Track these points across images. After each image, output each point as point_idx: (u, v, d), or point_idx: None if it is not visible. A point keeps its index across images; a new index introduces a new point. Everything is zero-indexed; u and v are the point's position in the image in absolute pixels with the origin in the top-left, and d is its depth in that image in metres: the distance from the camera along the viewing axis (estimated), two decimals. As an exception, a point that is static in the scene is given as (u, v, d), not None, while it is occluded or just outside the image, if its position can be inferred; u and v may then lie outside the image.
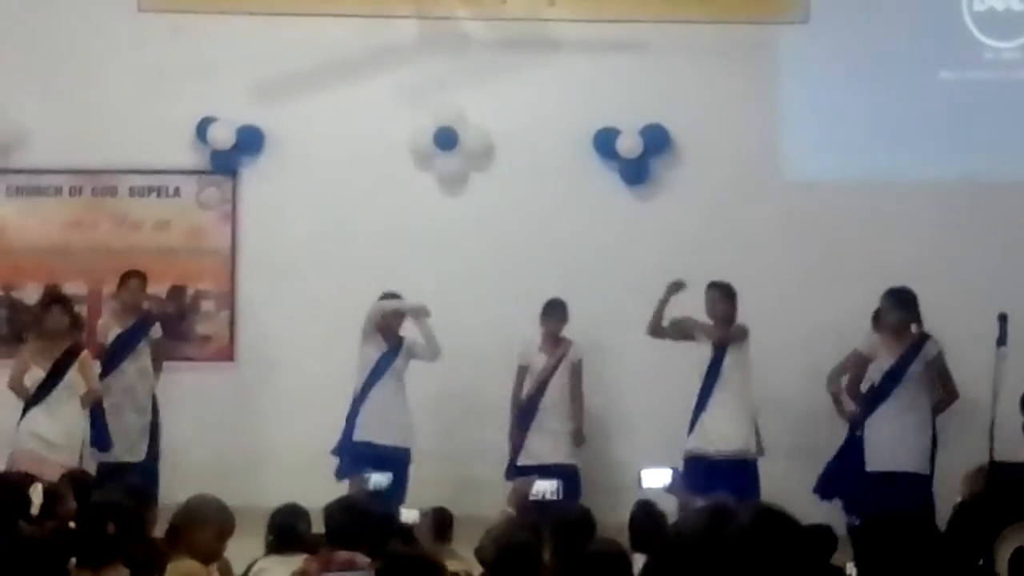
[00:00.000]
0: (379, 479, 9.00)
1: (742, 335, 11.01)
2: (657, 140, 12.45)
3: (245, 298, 12.73)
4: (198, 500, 7.52)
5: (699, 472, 10.36)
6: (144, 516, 7.71)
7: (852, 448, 10.95)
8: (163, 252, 12.83)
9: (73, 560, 5.93)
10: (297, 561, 7.38)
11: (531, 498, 8.29)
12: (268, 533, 7.67)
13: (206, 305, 12.67)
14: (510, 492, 8.41)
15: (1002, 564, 5.85)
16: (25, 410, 10.90)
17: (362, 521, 7.55)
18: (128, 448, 11.55)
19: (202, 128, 12.74)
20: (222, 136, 12.70)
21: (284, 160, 12.76)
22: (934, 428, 10.83)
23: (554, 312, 11.37)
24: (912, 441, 10.61)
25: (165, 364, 11.67)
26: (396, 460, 10.70)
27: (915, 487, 10.42)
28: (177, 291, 12.83)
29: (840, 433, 11.24)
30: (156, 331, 11.76)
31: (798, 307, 11.99)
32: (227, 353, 12.77)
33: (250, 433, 12.18)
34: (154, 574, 6.42)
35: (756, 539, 1.95)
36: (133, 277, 11.78)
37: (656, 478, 8.61)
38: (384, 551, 7.44)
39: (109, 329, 11.71)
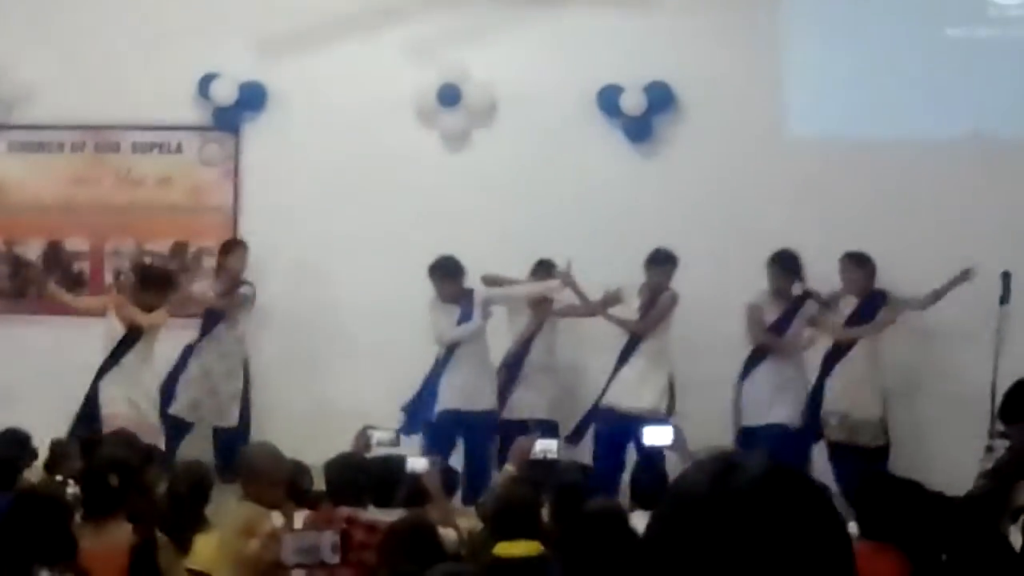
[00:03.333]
0: (382, 435, 9.00)
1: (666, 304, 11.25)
2: (661, 98, 12.39)
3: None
4: (258, 449, 7.65)
5: (611, 424, 10.93)
6: (146, 473, 7.78)
7: None
8: (165, 209, 12.84)
9: (78, 516, 5.96)
10: (299, 516, 7.42)
11: (533, 457, 8.30)
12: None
13: (208, 262, 12.64)
14: (512, 450, 8.43)
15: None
16: (102, 371, 11.06)
17: (362, 476, 7.58)
18: (219, 413, 11.74)
19: (204, 84, 12.71)
20: (224, 92, 12.67)
21: (287, 117, 12.74)
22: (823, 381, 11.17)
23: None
24: (786, 396, 10.95)
25: (169, 320, 11.71)
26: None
27: (788, 439, 10.64)
28: (179, 248, 12.82)
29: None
30: (251, 297, 11.90)
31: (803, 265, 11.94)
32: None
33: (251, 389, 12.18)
34: (154, 528, 6.46)
35: (766, 492, 1.90)
36: (239, 245, 11.94)
37: (658, 435, 8.61)
38: (390, 502, 7.50)
39: (208, 294, 11.93)
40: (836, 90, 12.38)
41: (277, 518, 7.19)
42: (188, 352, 11.83)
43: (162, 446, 10.70)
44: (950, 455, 9.91)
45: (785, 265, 11.13)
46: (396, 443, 8.67)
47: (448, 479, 8.64)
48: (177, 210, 12.83)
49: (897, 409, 11.42)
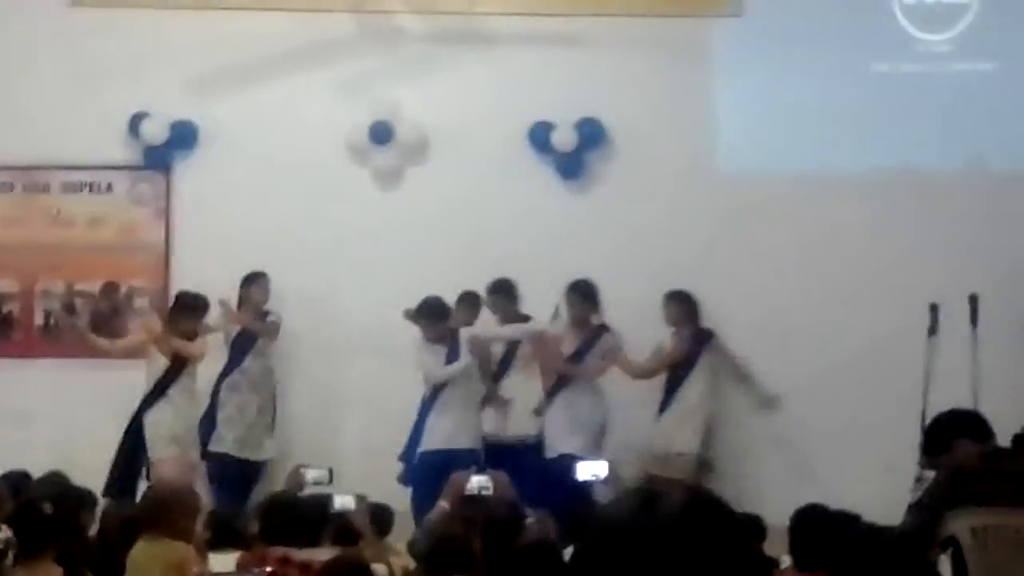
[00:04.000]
0: (316, 474, 8.97)
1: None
2: (592, 134, 12.45)
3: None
4: (166, 485, 7.57)
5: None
6: (79, 515, 7.72)
7: None
8: (96, 249, 12.73)
9: (10, 558, 5.89)
10: (233, 557, 7.37)
11: (467, 492, 8.31)
12: (204, 530, 7.65)
13: (139, 301, 12.56)
14: (446, 487, 8.42)
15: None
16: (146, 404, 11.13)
17: (294, 516, 7.54)
18: (254, 446, 11.70)
19: (134, 123, 12.64)
20: (155, 131, 12.62)
21: (218, 155, 12.68)
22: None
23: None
24: (585, 426, 11.09)
25: (99, 361, 11.62)
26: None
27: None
28: (110, 288, 12.73)
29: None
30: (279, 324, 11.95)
31: (731, 301, 12.01)
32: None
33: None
34: (85, 571, 6.40)
35: (687, 524, 1.93)
36: (262, 276, 11.92)
37: (591, 470, 8.64)
38: (319, 542, 7.48)
39: (230, 326, 11.91)
40: (766, 126, 12.50)
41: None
42: (217, 387, 11.79)
43: (201, 483, 10.66)
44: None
45: (583, 294, 11.28)
46: (329, 481, 8.65)
47: (381, 517, 8.62)
48: (108, 250, 12.73)
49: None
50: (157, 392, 11.22)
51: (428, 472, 10.74)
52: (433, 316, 11.15)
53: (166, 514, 7.06)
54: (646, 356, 11.48)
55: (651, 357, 11.48)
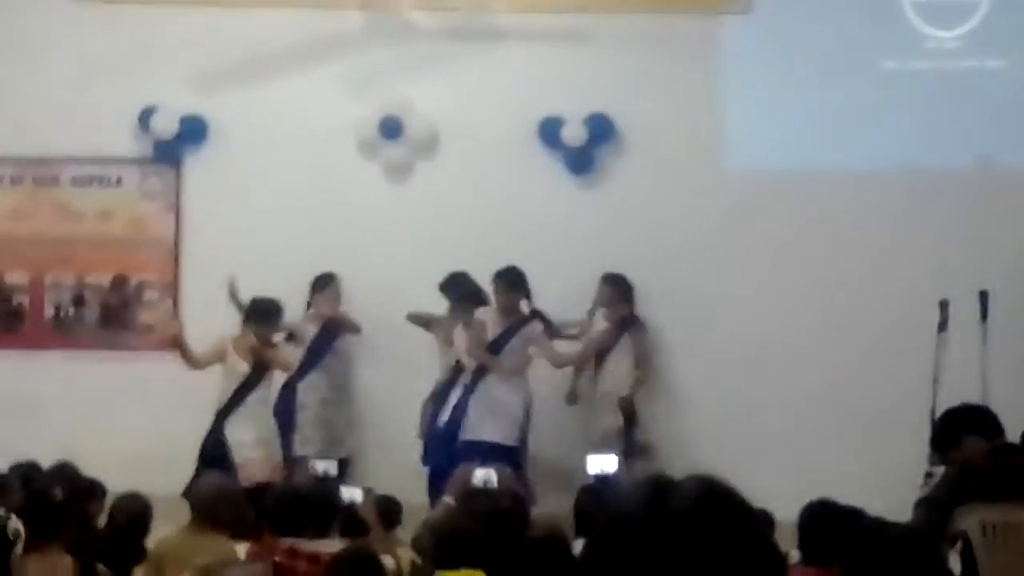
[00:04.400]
0: (325, 465, 9.00)
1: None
2: (602, 129, 12.45)
3: (189, 288, 12.65)
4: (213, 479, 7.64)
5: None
6: (88, 506, 7.76)
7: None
8: (105, 242, 12.75)
9: (19, 548, 5.91)
10: (220, 541, 7.39)
11: (473, 486, 8.32)
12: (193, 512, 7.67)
13: (149, 295, 12.58)
14: (450, 481, 8.43)
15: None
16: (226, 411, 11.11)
17: (302, 507, 7.55)
18: (338, 445, 11.80)
19: (144, 117, 12.66)
20: (164, 125, 12.63)
21: (228, 150, 12.69)
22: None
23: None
24: (501, 413, 11.07)
25: (109, 353, 11.60)
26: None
27: (501, 457, 10.75)
28: (120, 281, 12.75)
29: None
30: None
31: (741, 294, 12.03)
32: (171, 343, 12.64)
33: (193, 423, 12.05)
34: (94, 560, 6.42)
35: (701, 515, 1.91)
36: (334, 278, 11.92)
37: (602, 464, 8.64)
38: (327, 533, 7.50)
39: (307, 328, 11.94)
40: (775, 122, 12.49)
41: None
42: (291, 390, 11.80)
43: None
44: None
45: (510, 282, 11.29)
46: (336, 473, 8.67)
47: (388, 510, 8.62)
48: (117, 243, 12.75)
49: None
50: (236, 400, 11.14)
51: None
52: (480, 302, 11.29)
53: (214, 509, 7.14)
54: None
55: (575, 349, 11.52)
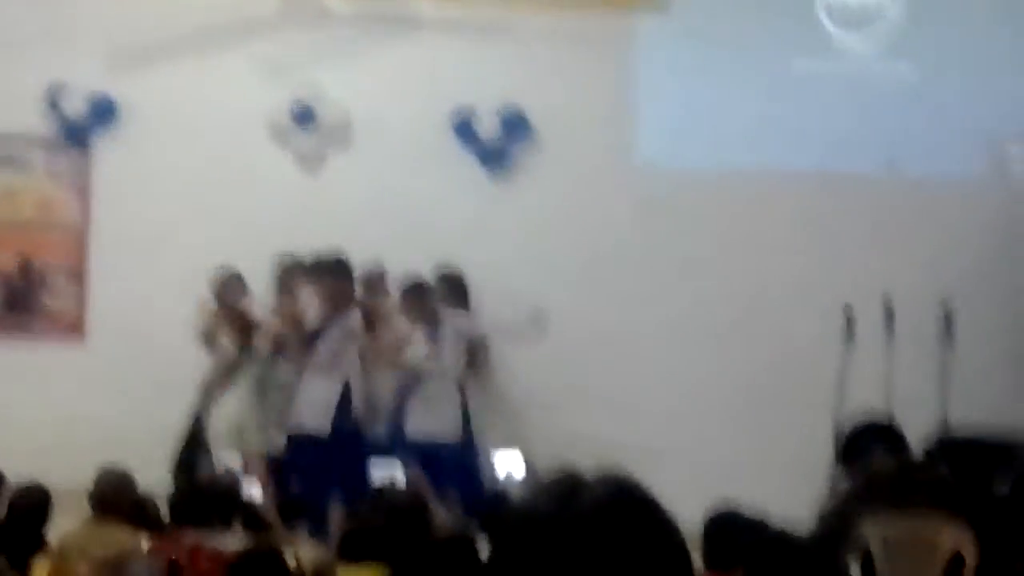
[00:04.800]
0: (229, 458, 8.95)
1: None
2: (516, 125, 12.46)
3: (97, 273, 12.48)
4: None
5: None
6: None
7: None
8: (11, 225, 12.56)
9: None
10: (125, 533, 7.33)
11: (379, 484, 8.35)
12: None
13: (56, 280, 12.43)
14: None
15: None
16: None
17: (206, 501, 7.51)
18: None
19: (52, 94, 12.44)
20: (74, 105, 12.46)
21: (139, 133, 12.54)
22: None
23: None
24: (320, 400, 10.92)
25: (11, 341, 11.43)
26: None
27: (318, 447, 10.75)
28: (24, 265, 12.56)
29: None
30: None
31: (651, 293, 12.08)
32: (77, 329, 12.52)
33: (98, 410, 11.93)
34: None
35: (611, 513, 1.86)
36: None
37: (507, 462, 8.65)
38: (230, 526, 7.45)
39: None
40: (688, 118, 12.56)
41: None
42: None
43: None
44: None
45: (335, 273, 11.11)
46: (242, 469, 8.62)
47: (289, 507, 8.58)
48: (24, 226, 12.58)
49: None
50: None
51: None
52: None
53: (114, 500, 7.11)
54: None
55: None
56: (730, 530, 6.39)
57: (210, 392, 11.02)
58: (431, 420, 10.95)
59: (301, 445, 10.76)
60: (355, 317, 11.14)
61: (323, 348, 11.04)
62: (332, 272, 11.07)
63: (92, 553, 6.83)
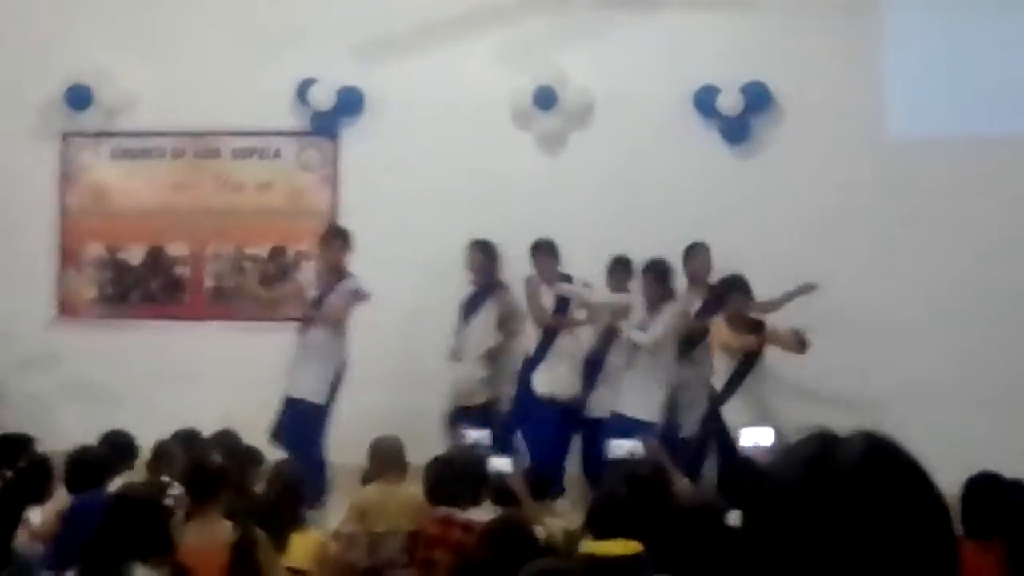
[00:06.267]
0: (478, 435, 9.02)
1: None
2: (758, 98, 12.31)
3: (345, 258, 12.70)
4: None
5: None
6: (247, 473, 7.89)
7: None
8: (264, 213, 12.95)
9: (181, 515, 6.00)
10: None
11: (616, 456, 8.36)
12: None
13: (306, 266, 12.74)
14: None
15: None
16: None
17: (457, 477, 7.60)
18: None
19: (303, 90, 12.80)
20: (322, 97, 12.76)
21: (384, 122, 12.79)
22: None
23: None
24: (313, 370, 11.09)
25: (265, 324, 11.69)
26: None
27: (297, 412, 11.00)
28: (278, 252, 12.92)
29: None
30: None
31: (895, 264, 11.83)
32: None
33: (355, 392, 12.09)
34: (254, 526, 6.50)
35: (867, 473, 1.77)
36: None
37: (756, 437, 8.55)
38: (479, 502, 7.53)
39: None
40: (936, 88, 12.23)
41: None
42: None
43: None
44: None
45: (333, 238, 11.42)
46: (490, 443, 8.68)
47: (538, 480, 8.59)
48: (276, 215, 12.95)
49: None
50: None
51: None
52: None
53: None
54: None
55: None
56: (990, 497, 6.23)
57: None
58: (639, 399, 10.95)
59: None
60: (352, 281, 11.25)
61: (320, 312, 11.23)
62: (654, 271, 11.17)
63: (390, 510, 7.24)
